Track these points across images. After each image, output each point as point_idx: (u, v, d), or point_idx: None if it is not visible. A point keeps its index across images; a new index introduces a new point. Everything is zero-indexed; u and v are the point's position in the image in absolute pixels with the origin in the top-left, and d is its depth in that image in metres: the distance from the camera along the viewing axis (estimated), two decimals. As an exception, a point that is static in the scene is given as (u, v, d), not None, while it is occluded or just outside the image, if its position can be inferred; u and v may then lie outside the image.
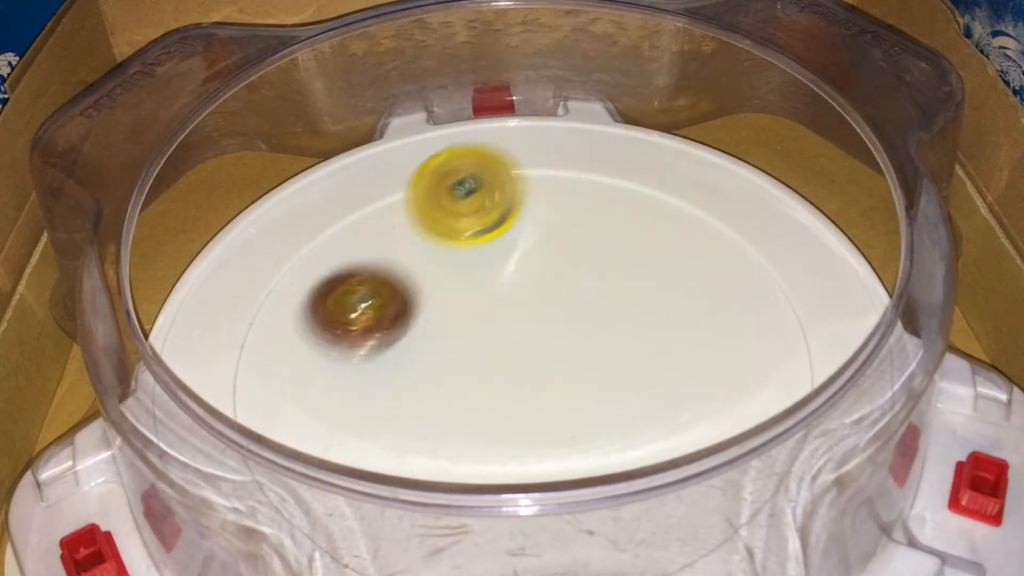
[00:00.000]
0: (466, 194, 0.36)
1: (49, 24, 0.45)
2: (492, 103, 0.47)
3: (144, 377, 0.32)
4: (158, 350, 0.35)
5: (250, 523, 0.28)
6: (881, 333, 0.31)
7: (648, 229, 0.40)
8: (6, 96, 0.40)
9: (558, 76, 0.47)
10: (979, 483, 0.32)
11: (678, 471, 0.27)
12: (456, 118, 0.46)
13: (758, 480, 0.29)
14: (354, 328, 0.34)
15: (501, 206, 0.37)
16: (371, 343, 0.34)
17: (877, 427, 0.29)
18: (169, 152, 0.39)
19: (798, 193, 0.41)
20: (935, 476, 0.33)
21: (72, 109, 0.39)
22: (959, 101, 0.38)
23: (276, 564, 0.28)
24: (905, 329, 0.32)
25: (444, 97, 0.47)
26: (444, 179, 0.38)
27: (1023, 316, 0.38)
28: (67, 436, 0.34)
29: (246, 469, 0.29)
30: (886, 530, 0.31)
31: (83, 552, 0.31)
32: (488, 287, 0.38)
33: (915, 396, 0.30)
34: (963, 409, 0.34)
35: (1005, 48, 0.39)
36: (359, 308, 0.35)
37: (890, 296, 0.35)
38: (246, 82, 0.42)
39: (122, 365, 0.32)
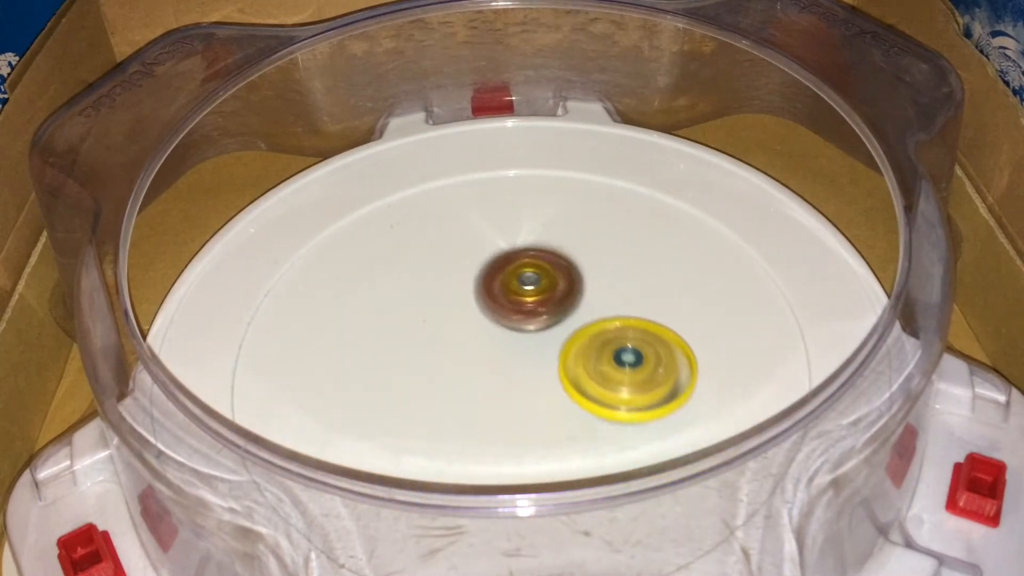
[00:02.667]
0: (631, 365, 0.33)
1: (49, 24, 0.45)
2: (491, 103, 0.47)
3: (142, 377, 0.32)
4: (156, 350, 0.35)
5: (246, 523, 0.28)
6: (879, 334, 0.31)
7: (647, 229, 0.40)
8: (6, 96, 0.40)
9: (558, 76, 0.47)
10: (977, 484, 0.32)
11: (674, 472, 0.27)
12: (455, 118, 0.46)
13: (754, 481, 0.29)
14: (526, 303, 0.35)
15: (668, 384, 0.33)
16: (542, 319, 0.35)
17: (874, 428, 0.29)
18: (168, 152, 0.39)
19: (797, 193, 0.41)
20: (933, 477, 0.33)
21: (71, 109, 0.40)
22: (959, 101, 0.38)
23: (272, 564, 0.28)
24: (903, 330, 0.32)
25: (443, 97, 0.47)
26: (606, 346, 0.34)
27: (1022, 317, 0.38)
28: (65, 436, 0.34)
29: (243, 469, 0.29)
30: (883, 531, 0.31)
31: (80, 551, 0.31)
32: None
33: (913, 397, 0.30)
34: (961, 410, 0.34)
35: (1005, 48, 0.39)
36: (528, 287, 0.35)
37: (888, 297, 0.35)
38: (245, 82, 0.42)
39: (120, 365, 0.32)
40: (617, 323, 0.35)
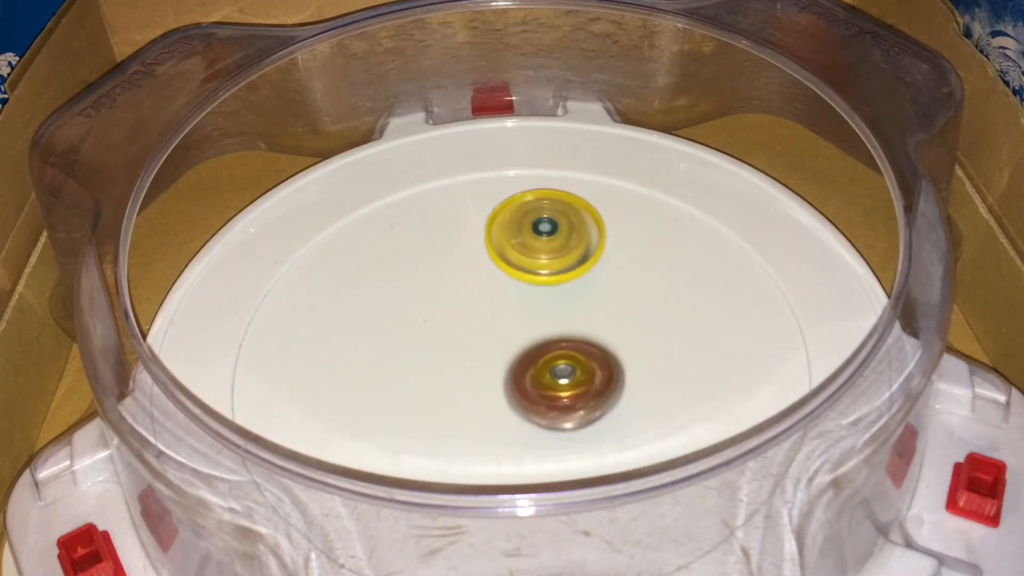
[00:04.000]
0: (547, 234, 0.37)
1: (49, 24, 0.45)
2: (491, 103, 0.47)
3: (142, 377, 0.32)
4: (156, 350, 0.35)
5: (246, 523, 0.28)
6: (879, 334, 0.31)
7: (647, 229, 0.40)
8: (6, 96, 0.40)
9: (558, 76, 0.47)
10: (977, 484, 0.32)
11: (674, 472, 0.27)
12: (455, 118, 0.46)
13: (754, 481, 0.29)
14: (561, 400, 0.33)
15: (580, 248, 0.37)
16: (579, 415, 0.32)
17: (874, 428, 0.29)
18: (168, 152, 0.39)
19: (797, 193, 0.41)
20: (933, 477, 0.33)
21: (71, 109, 0.40)
22: (959, 101, 0.38)
23: (272, 564, 0.28)
24: (903, 330, 0.32)
25: (443, 97, 0.47)
26: (525, 217, 0.38)
27: (1022, 317, 0.38)
28: (65, 436, 0.34)
29: (243, 469, 0.29)
30: (883, 531, 0.31)
31: (80, 551, 0.31)
32: (487, 286, 0.38)
33: (913, 397, 0.30)
34: (961, 410, 0.34)
35: (1005, 48, 0.39)
36: (562, 382, 0.33)
37: (888, 297, 0.35)
38: (246, 82, 0.42)
39: (120, 365, 0.32)
40: (530, 195, 0.39)
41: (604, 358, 0.34)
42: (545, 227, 0.38)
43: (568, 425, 0.32)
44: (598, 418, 0.32)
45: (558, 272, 0.37)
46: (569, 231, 0.38)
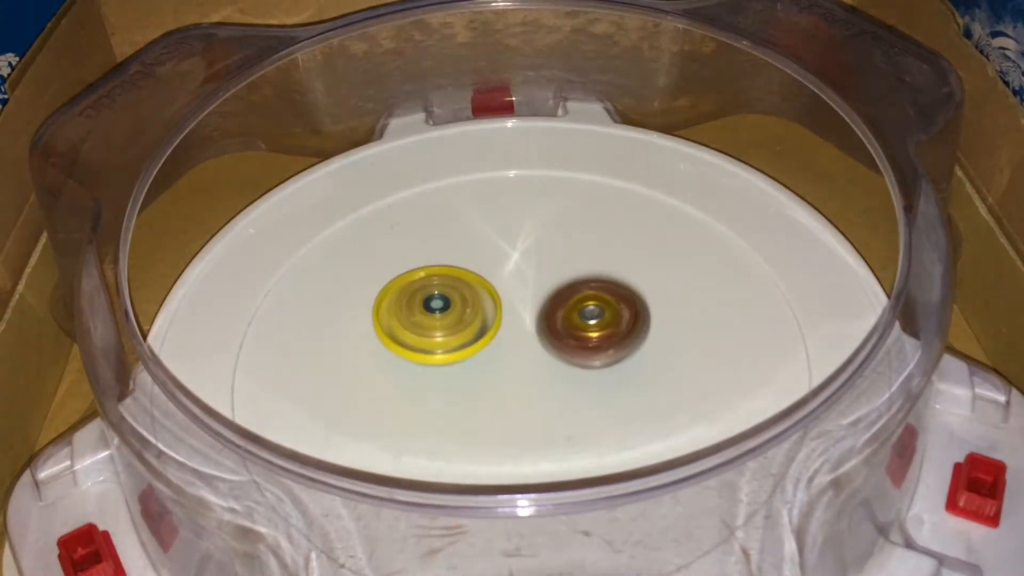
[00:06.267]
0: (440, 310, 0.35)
1: (49, 24, 0.45)
2: (492, 104, 0.47)
3: (142, 377, 0.32)
4: (156, 350, 0.35)
5: (247, 523, 0.28)
6: (879, 334, 0.31)
7: (647, 230, 0.40)
8: (6, 96, 0.40)
9: (558, 77, 0.47)
10: (977, 484, 0.32)
11: (674, 472, 0.27)
12: (455, 118, 0.46)
13: (754, 481, 0.29)
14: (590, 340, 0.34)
15: (476, 323, 0.35)
16: (608, 355, 0.33)
17: (874, 428, 0.29)
18: (168, 152, 0.39)
19: (797, 193, 0.41)
20: (933, 477, 0.33)
21: (72, 109, 0.40)
22: (959, 102, 0.38)
23: (272, 564, 0.28)
24: (903, 330, 0.32)
25: (444, 97, 0.47)
26: (415, 295, 0.36)
27: (1022, 317, 0.38)
28: (65, 436, 0.34)
29: (243, 469, 0.29)
30: (883, 531, 0.31)
31: (81, 551, 0.31)
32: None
33: (913, 397, 0.30)
34: (961, 410, 0.34)
35: (1005, 49, 0.39)
36: (592, 321, 0.34)
37: (888, 297, 0.35)
38: (246, 82, 0.42)
39: (120, 365, 0.32)
40: (422, 272, 0.37)
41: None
42: (437, 304, 0.35)
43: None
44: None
45: (453, 350, 0.34)
46: (463, 306, 0.35)
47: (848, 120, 0.38)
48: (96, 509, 0.33)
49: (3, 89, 0.40)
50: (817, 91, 0.40)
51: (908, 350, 0.31)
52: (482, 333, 0.35)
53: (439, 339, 0.34)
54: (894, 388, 0.30)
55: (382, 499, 0.27)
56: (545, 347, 0.34)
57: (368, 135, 0.46)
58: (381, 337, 0.35)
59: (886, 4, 0.48)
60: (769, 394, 0.33)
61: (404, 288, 0.36)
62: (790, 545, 0.27)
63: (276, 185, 0.42)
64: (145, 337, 0.35)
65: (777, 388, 0.33)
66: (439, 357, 0.34)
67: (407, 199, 0.42)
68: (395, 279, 0.37)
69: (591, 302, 0.35)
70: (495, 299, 0.36)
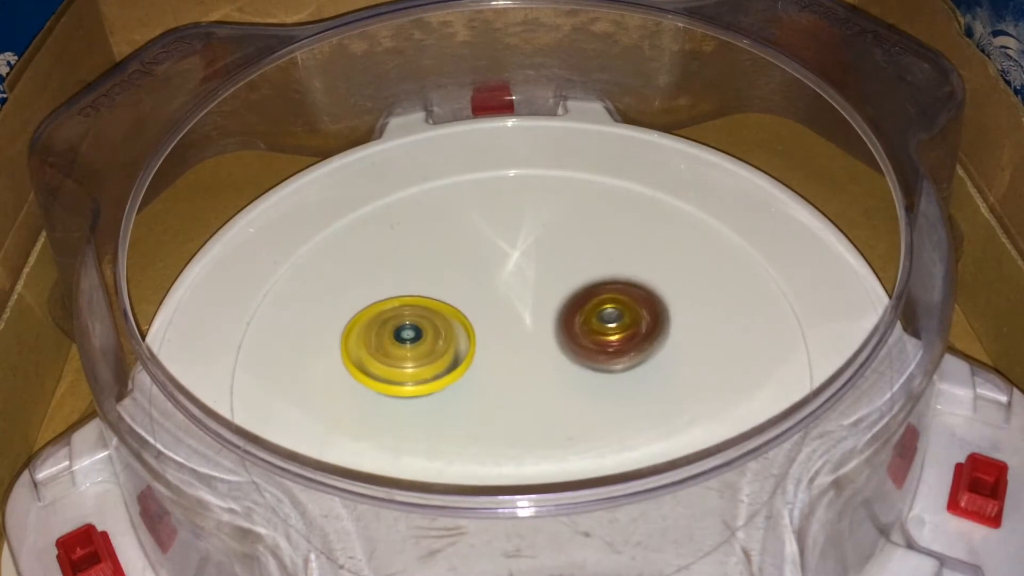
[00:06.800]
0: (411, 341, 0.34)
1: (48, 23, 0.45)
2: (491, 102, 0.47)
3: (141, 377, 0.32)
4: (155, 350, 0.35)
5: (246, 524, 0.28)
6: (880, 334, 0.31)
7: (648, 229, 0.40)
8: (5, 95, 0.40)
9: (558, 76, 0.47)
10: (978, 485, 0.32)
11: (675, 473, 0.27)
12: (455, 117, 0.46)
13: (755, 482, 0.29)
14: (609, 344, 0.33)
15: (449, 353, 0.34)
16: (627, 359, 0.33)
17: (876, 428, 0.29)
18: (168, 151, 0.38)
19: (798, 193, 0.41)
20: (934, 478, 0.33)
21: (70, 108, 0.39)
22: (960, 101, 0.38)
23: (272, 565, 0.28)
24: (905, 330, 0.32)
25: (443, 96, 0.47)
26: (384, 326, 0.34)
27: (1024, 317, 0.38)
28: (64, 436, 0.34)
29: (242, 470, 0.29)
30: (884, 532, 0.31)
31: (79, 552, 0.31)
32: (486, 286, 0.38)
33: (914, 397, 0.30)
34: (962, 411, 0.34)
35: (1006, 48, 0.39)
36: (611, 325, 0.33)
37: (890, 297, 0.35)
38: (245, 81, 0.42)
39: (119, 365, 0.32)
40: (394, 302, 0.35)
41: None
42: (408, 334, 0.34)
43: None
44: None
45: (423, 382, 0.33)
46: (435, 337, 0.34)
47: (849, 119, 0.38)
48: (95, 509, 0.33)
49: (2, 88, 0.40)
50: (818, 90, 0.40)
51: (909, 350, 0.31)
52: (455, 364, 0.34)
53: (410, 370, 0.33)
54: (895, 388, 0.30)
55: (381, 500, 0.27)
56: (564, 352, 0.34)
57: (368, 134, 0.46)
58: (349, 367, 0.33)
59: (887, 3, 0.48)
60: (770, 394, 0.33)
61: (374, 319, 0.35)
62: (791, 546, 0.27)
63: (275, 184, 0.42)
64: (144, 337, 0.35)
65: (778, 388, 0.33)
66: (409, 389, 0.33)
67: (407, 198, 0.42)
68: (364, 309, 0.36)
69: (610, 305, 0.34)
70: (468, 329, 0.35)
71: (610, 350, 0.33)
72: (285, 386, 0.34)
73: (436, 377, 0.33)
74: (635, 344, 0.33)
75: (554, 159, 0.43)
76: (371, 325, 0.35)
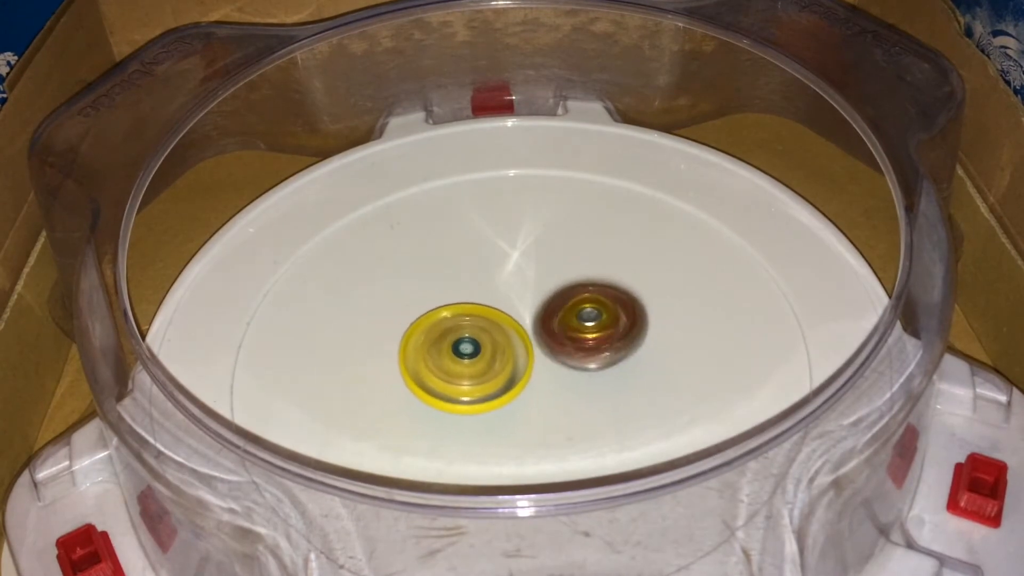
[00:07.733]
0: (468, 356, 0.33)
1: (48, 23, 0.45)
2: (491, 102, 0.47)
3: (141, 377, 0.32)
4: (155, 350, 0.35)
5: (246, 524, 0.28)
6: (880, 334, 0.31)
7: (648, 229, 0.40)
8: (5, 95, 0.40)
9: (558, 76, 0.47)
10: (978, 485, 0.32)
11: (675, 473, 0.27)
12: (455, 117, 0.46)
13: (755, 482, 0.29)
14: (586, 342, 0.34)
15: (506, 372, 0.33)
16: (603, 356, 0.33)
17: (875, 428, 0.29)
18: (168, 151, 0.38)
19: (798, 193, 0.41)
20: (934, 478, 0.33)
21: (70, 108, 0.39)
22: (960, 101, 0.38)
23: (272, 565, 0.28)
24: (904, 330, 0.32)
25: (443, 96, 0.47)
26: (443, 337, 0.34)
27: (1024, 317, 0.38)
28: (64, 436, 0.34)
29: (242, 470, 0.29)
30: (884, 532, 0.31)
31: (79, 552, 0.31)
32: (486, 286, 0.38)
33: (914, 397, 0.30)
34: (962, 410, 0.34)
35: (1006, 48, 0.39)
36: (588, 324, 0.34)
37: (889, 297, 0.35)
38: (245, 81, 0.42)
39: (119, 365, 0.32)
40: (446, 312, 0.35)
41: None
42: (467, 348, 0.33)
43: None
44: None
45: (480, 400, 0.33)
46: (493, 352, 0.34)
47: (849, 119, 0.38)
48: (95, 509, 0.33)
49: (2, 88, 0.40)
50: (818, 90, 0.40)
51: (909, 350, 0.31)
52: (512, 383, 0.33)
53: (466, 387, 0.33)
54: (895, 388, 0.30)
55: (381, 499, 0.27)
56: (541, 349, 0.34)
57: (368, 134, 0.46)
58: (408, 382, 0.33)
59: (887, 3, 0.48)
60: (770, 394, 0.33)
61: (432, 327, 0.35)
62: (791, 546, 0.27)
63: (275, 184, 0.42)
64: (144, 337, 0.35)
65: (778, 388, 0.33)
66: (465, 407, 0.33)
67: (407, 198, 0.42)
68: (421, 317, 0.35)
69: (588, 304, 0.35)
70: (527, 344, 0.34)
71: (586, 347, 0.34)
72: (285, 386, 0.34)
73: (491, 396, 0.33)
74: (612, 343, 0.34)
75: (554, 159, 0.43)
76: (429, 335, 0.34)
